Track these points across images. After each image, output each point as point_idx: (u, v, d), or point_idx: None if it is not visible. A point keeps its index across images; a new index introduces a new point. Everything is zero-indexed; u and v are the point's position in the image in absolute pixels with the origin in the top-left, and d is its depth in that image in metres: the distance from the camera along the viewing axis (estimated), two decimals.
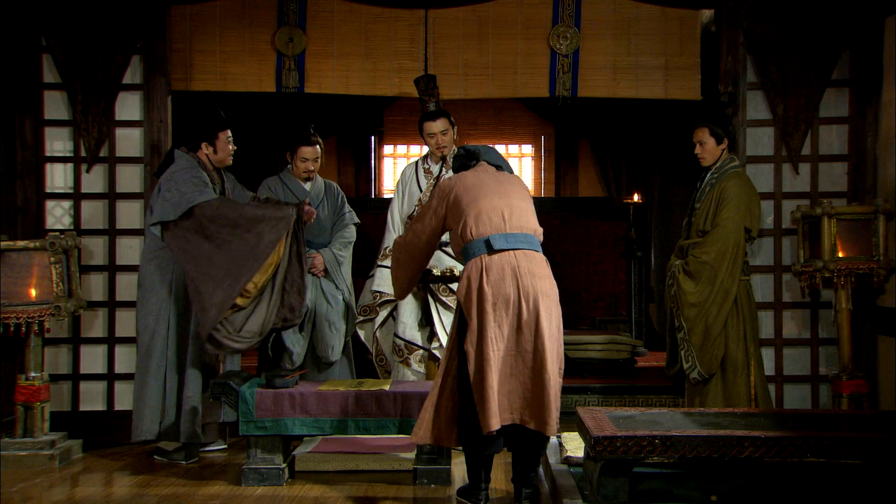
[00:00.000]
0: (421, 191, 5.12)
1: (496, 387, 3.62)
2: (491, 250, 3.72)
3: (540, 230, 3.88)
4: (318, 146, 5.26)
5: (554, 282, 3.80)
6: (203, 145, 4.79)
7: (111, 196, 5.30)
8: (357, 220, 5.41)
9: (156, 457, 4.76)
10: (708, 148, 4.86)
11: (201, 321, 4.47)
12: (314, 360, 5.18)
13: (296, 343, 5.07)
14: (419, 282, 4.46)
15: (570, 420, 4.43)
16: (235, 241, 4.50)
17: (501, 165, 4.07)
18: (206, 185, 4.66)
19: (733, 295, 4.67)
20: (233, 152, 4.89)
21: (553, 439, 4.39)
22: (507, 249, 3.72)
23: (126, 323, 5.20)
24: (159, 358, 4.65)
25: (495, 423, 3.59)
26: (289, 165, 5.34)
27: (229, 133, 4.86)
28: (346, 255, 5.29)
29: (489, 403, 3.59)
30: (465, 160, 4.09)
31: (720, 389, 4.69)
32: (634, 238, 8.43)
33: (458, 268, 4.66)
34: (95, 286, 5.28)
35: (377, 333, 5.20)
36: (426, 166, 5.15)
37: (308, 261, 4.99)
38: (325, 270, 5.18)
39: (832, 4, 5.13)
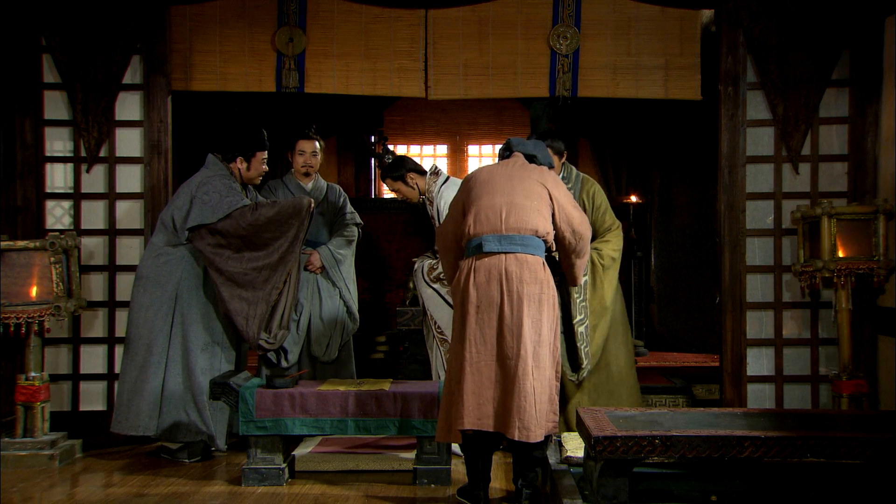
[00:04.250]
0: None
1: (471, 388, 3.65)
2: (481, 252, 3.72)
3: (545, 230, 3.81)
4: (316, 142, 5.30)
5: (548, 286, 3.77)
6: (238, 159, 4.90)
7: (111, 196, 5.30)
8: (360, 221, 5.42)
9: (162, 455, 4.78)
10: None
11: (247, 334, 4.68)
12: (311, 359, 5.18)
13: (290, 341, 5.08)
14: None
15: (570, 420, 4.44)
16: (270, 246, 4.70)
17: (536, 156, 4.03)
18: (241, 195, 4.81)
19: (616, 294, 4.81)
20: (263, 173, 5.00)
21: (553, 439, 4.39)
22: (499, 252, 3.71)
23: (126, 323, 5.20)
24: (160, 354, 4.67)
25: (465, 424, 3.64)
26: (291, 169, 5.38)
27: (266, 155, 4.97)
28: (346, 254, 5.29)
29: (459, 403, 3.65)
30: (503, 151, 4.12)
31: (605, 395, 4.74)
32: (634, 238, 8.43)
33: None
34: (95, 286, 5.28)
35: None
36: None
37: (304, 257, 5.03)
38: (322, 268, 5.19)
39: (832, 4, 5.12)
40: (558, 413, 3.81)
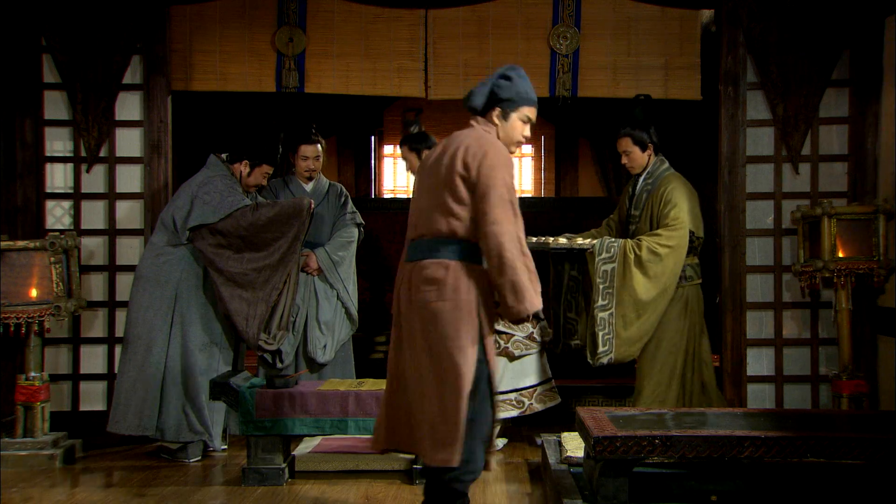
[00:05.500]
0: None
1: (386, 407, 3.37)
2: (404, 262, 3.39)
3: (449, 229, 3.19)
4: (318, 145, 5.30)
5: (453, 292, 3.17)
6: (244, 162, 4.91)
7: (111, 196, 5.30)
8: (361, 221, 5.41)
9: (162, 455, 4.77)
10: (634, 157, 4.93)
11: (247, 334, 4.69)
12: (307, 360, 5.18)
13: (285, 343, 5.08)
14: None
15: (570, 420, 4.43)
16: (271, 247, 4.71)
17: (476, 108, 3.37)
18: (242, 195, 4.83)
19: (670, 295, 4.73)
20: (260, 185, 5.03)
21: (553, 439, 4.40)
22: (410, 261, 3.31)
23: (125, 322, 5.20)
24: (159, 354, 4.67)
25: (381, 444, 3.38)
26: (293, 168, 5.38)
27: (271, 171, 5.02)
28: (344, 255, 5.29)
29: (377, 420, 3.42)
30: None
31: (651, 392, 4.76)
32: None
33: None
34: (95, 286, 5.28)
35: None
36: None
37: (301, 259, 5.05)
38: (319, 270, 5.19)
39: (832, 4, 5.12)
40: (462, 436, 3.14)
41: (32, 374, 4.72)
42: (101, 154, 5.28)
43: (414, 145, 5.00)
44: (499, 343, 4.71)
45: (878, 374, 5.04)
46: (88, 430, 5.06)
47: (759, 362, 5.23)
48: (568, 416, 4.81)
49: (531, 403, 4.77)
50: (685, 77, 5.46)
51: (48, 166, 5.31)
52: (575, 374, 5.96)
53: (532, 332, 4.80)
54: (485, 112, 3.39)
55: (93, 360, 5.29)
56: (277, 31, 5.41)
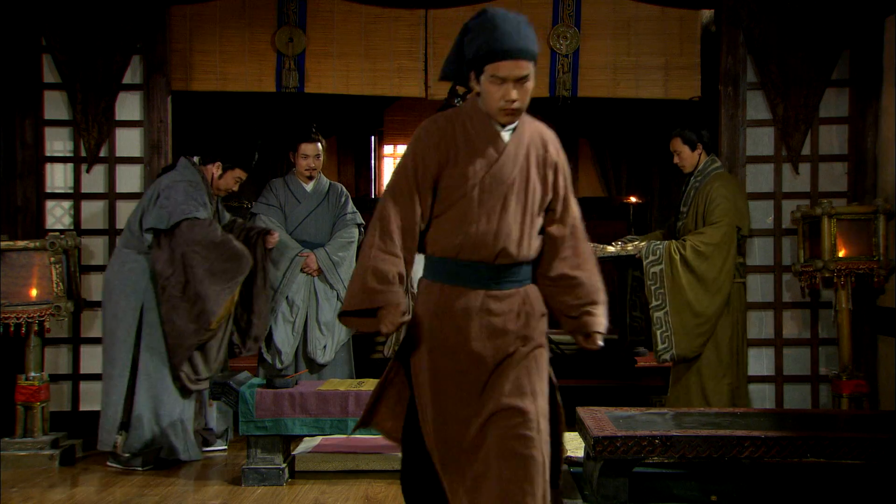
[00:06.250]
0: None
1: None
2: None
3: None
4: (319, 143, 5.28)
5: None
6: (216, 164, 4.75)
7: (111, 196, 5.30)
8: (361, 221, 5.40)
9: (108, 463, 4.60)
10: (684, 156, 4.97)
11: (173, 359, 4.54)
12: (307, 361, 5.18)
13: (285, 343, 5.09)
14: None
15: (570, 420, 4.43)
16: (209, 277, 4.51)
17: (449, 78, 2.78)
18: (204, 206, 4.61)
19: (725, 293, 4.75)
20: (231, 191, 4.89)
21: None
22: None
23: None
24: (122, 367, 4.56)
25: None
26: (293, 168, 5.37)
27: (244, 177, 4.86)
28: (345, 256, 5.28)
29: None
30: None
31: (698, 387, 4.81)
32: None
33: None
34: (95, 286, 5.27)
35: None
36: None
37: (301, 259, 5.04)
38: (319, 270, 5.19)
39: (832, 4, 5.12)
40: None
41: (32, 374, 4.72)
42: (101, 154, 5.28)
43: None
44: None
45: (878, 374, 5.04)
46: (88, 430, 5.03)
47: (759, 362, 5.23)
48: (568, 416, 4.81)
49: None
50: (685, 77, 5.46)
51: (48, 166, 5.30)
52: (575, 373, 5.96)
53: None
54: (467, 79, 2.63)
55: (93, 360, 5.27)
56: (277, 31, 5.41)
